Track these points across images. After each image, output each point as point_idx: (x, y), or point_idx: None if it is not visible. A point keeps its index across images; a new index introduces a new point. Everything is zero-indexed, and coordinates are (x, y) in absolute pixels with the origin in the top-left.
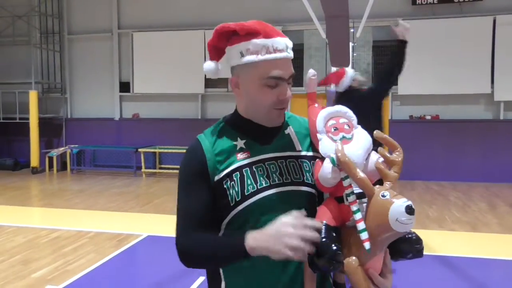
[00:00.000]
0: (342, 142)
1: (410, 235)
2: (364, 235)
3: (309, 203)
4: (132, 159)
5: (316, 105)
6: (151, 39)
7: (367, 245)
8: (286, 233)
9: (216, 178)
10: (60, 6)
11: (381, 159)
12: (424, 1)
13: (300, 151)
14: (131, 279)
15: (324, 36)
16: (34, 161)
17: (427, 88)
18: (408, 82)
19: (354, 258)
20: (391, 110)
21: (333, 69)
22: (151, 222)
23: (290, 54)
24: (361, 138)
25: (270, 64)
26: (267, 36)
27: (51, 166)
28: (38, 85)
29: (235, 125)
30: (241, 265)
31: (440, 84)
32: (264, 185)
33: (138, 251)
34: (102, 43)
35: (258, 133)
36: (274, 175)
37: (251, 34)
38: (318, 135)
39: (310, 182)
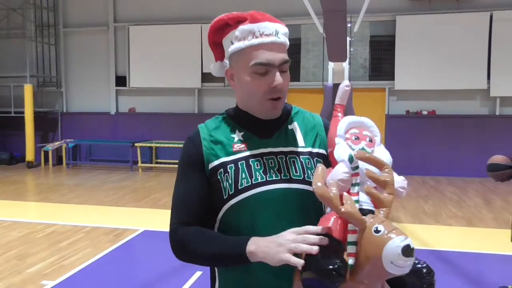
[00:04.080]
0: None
1: (419, 266)
2: (350, 249)
3: (309, 203)
4: (128, 154)
5: (340, 118)
6: (148, 32)
7: (350, 260)
8: (288, 238)
9: (211, 166)
10: None
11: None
12: None
13: (303, 147)
14: (128, 274)
15: (321, 30)
16: (30, 155)
17: (423, 83)
18: (404, 77)
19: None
20: (388, 105)
21: (330, 64)
22: (147, 216)
23: (281, 39)
24: (381, 157)
25: (256, 49)
26: (254, 21)
27: (46, 161)
28: (33, 78)
29: (235, 117)
30: (237, 270)
31: (436, 80)
32: (260, 180)
33: (134, 246)
34: (98, 37)
35: (258, 127)
36: (271, 170)
37: (240, 21)
38: (336, 139)
39: (311, 180)
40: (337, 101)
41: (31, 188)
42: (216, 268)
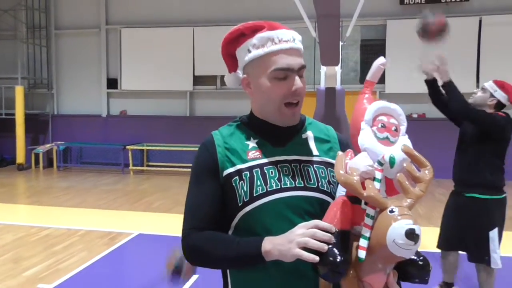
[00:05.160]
0: (384, 143)
1: (417, 259)
2: (362, 242)
3: (322, 211)
4: (119, 156)
5: (367, 95)
6: (140, 35)
7: (361, 253)
8: (297, 233)
9: (225, 172)
10: (47, 0)
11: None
12: (411, 1)
13: (317, 155)
14: (123, 277)
15: (313, 34)
16: (20, 157)
17: (413, 86)
18: (395, 81)
19: (351, 271)
20: None
21: (323, 68)
22: (141, 219)
23: (298, 45)
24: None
25: (276, 55)
26: (272, 28)
27: (37, 163)
28: (24, 80)
29: (249, 125)
30: (249, 270)
31: None
32: (275, 187)
33: (129, 249)
34: (89, 39)
35: (273, 135)
36: (286, 178)
37: (257, 30)
38: (362, 124)
39: (325, 189)
40: (368, 77)
41: (22, 190)
42: (228, 270)
